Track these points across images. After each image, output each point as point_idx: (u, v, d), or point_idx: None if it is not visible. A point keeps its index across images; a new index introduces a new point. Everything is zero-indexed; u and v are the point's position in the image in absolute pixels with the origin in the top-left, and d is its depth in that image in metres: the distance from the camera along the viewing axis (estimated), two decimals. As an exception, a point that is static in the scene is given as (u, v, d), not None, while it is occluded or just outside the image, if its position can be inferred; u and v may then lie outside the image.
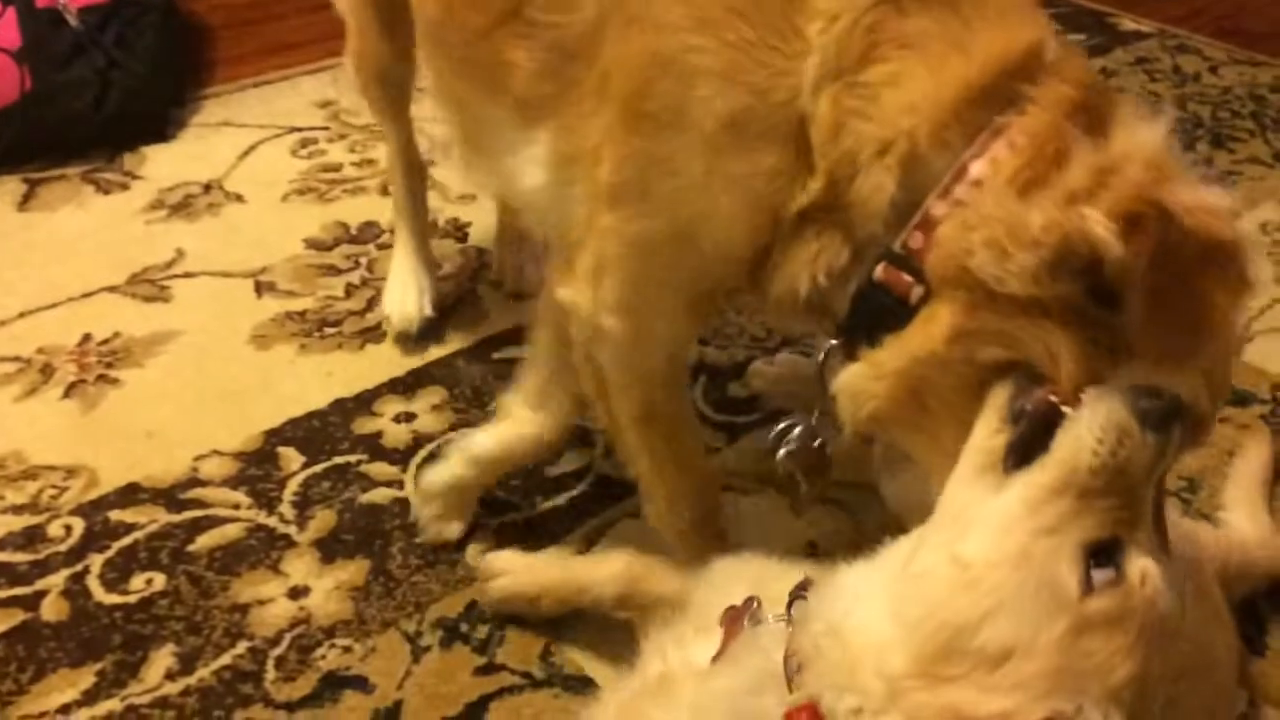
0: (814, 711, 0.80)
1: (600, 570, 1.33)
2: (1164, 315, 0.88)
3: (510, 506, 1.54)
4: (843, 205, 1.00)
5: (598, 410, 1.32)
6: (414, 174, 1.90)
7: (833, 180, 1.00)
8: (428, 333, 1.85)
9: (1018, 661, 0.72)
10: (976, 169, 0.94)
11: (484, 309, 1.94)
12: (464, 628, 1.37)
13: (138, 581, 1.41)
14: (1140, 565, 0.75)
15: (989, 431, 0.87)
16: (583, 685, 1.30)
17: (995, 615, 0.74)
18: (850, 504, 1.56)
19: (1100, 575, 0.74)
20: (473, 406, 1.72)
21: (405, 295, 1.85)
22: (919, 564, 0.81)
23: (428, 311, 1.84)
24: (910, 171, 0.96)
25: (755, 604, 0.98)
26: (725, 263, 1.09)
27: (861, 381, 0.99)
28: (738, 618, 0.98)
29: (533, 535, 1.50)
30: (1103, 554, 0.76)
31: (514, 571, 1.38)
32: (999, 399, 0.89)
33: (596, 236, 1.14)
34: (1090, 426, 0.80)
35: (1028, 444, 0.83)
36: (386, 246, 2.11)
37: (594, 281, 1.16)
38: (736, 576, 1.09)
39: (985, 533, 0.79)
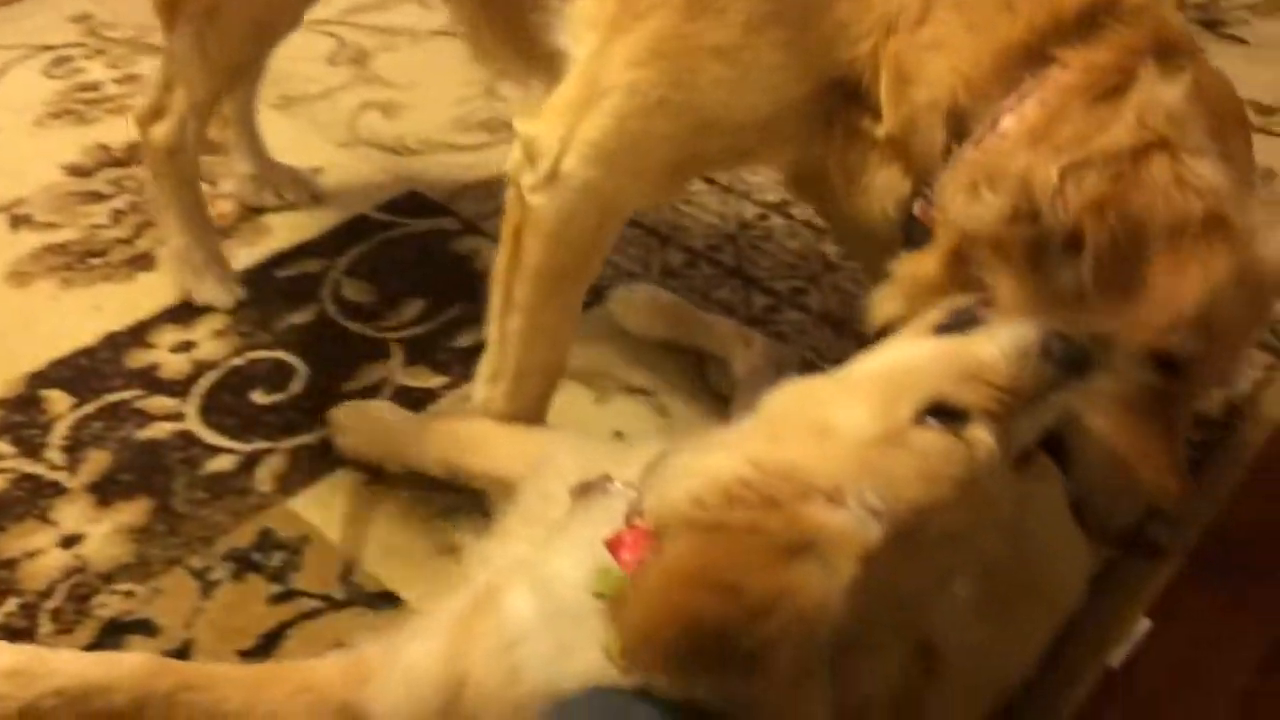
0: (644, 534, 0.85)
1: (426, 440, 1.34)
2: (1114, 278, 0.98)
3: (303, 426, 1.47)
4: (910, 154, 1.12)
5: (500, 256, 1.27)
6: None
7: (900, 130, 1.11)
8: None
9: (834, 442, 0.83)
10: (1006, 122, 1.04)
11: (265, 225, 1.84)
12: (256, 557, 1.30)
13: (-110, 549, 1.30)
14: (977, 435, 0.84)
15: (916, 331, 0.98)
16: (387, 602, 1.26)
17: (840, 399, 0.88)
18: (655, 392, 1.54)
19: (934, 421, 0.84)
20: (259, 329, 1.63)
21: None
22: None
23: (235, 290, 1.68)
24: (956, 124, 1.07)
25: (607, 479, 0.97)
26: (722, 141, 1.16)
27: (884, 291, 1.13)
28: (589, 491, 0.98)
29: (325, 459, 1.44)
30: (950, 416, 0.85)
31: (356, 429, 1.40)
32: (932, 314, 1.00)
33: (597, 85, 1.13)
34: (1002, 336, 0.90)
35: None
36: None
37: (574, 122, 1.14)
38: (570, 461, 1.07)
39: (873, 359, 0.94)
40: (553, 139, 1.16)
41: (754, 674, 0.76)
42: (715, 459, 0.87)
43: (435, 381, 1.55)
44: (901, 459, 0.82)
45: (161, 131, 1.59)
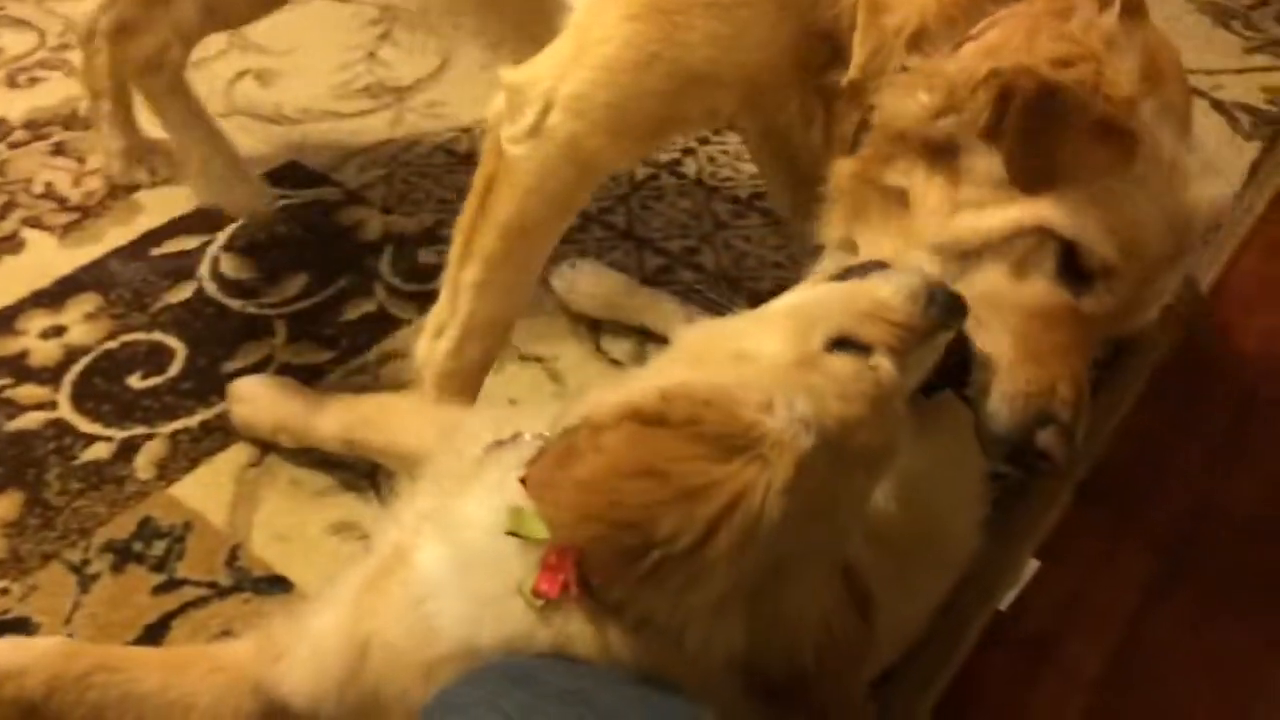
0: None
1: (328, 413, 1.31)
2: (1024, 167, 1.02)
3: (183, 410, 1.42)
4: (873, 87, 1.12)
5: (468, 205, 1.24)
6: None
7: (867, 63, 1.11)
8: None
9: (753, 365, 0.88)
10: (966, 48, 1.07)
11: (138, 203, 1.76)
12: (137, 547, 1.26)
13: None
14: (881, 362, 0.90)
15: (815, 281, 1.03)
16: (276, 586, 1.23)
17: (751, 332, 0.92)
18: (548, 359, 1.52)
19: (843, 349, 0.90)
20: (133, 310, 1.56)
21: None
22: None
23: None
24: (916, 47, 1.09)
25: (519, 435, 0.96)
26: (706, 100, 1.18)
27: (828, 194, 1.16)
28: (501, 446, 0.96)
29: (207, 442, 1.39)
30: (855, 349, 0.90)
31: (255, 401, 1.37)
32: (829, 268, 1.06)
33: (590, 36, 1.15)
34: (897, 280, 0.97)
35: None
36: (19, 144, 1.88)
37: (564, 74, 1.15)
38: (482, 424, 1.05)
39: (779, 301, 0.99)
40: (539, 90, 1.16)
41: (690, 565, 0.77)
42: (640, 382, 0.89)
43: (322, 357, 1.51)
44: (818, 379, 0.86)
45: (142, 46, 1.57)
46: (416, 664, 0.87)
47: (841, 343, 0.90)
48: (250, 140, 1.89)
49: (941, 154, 1.06)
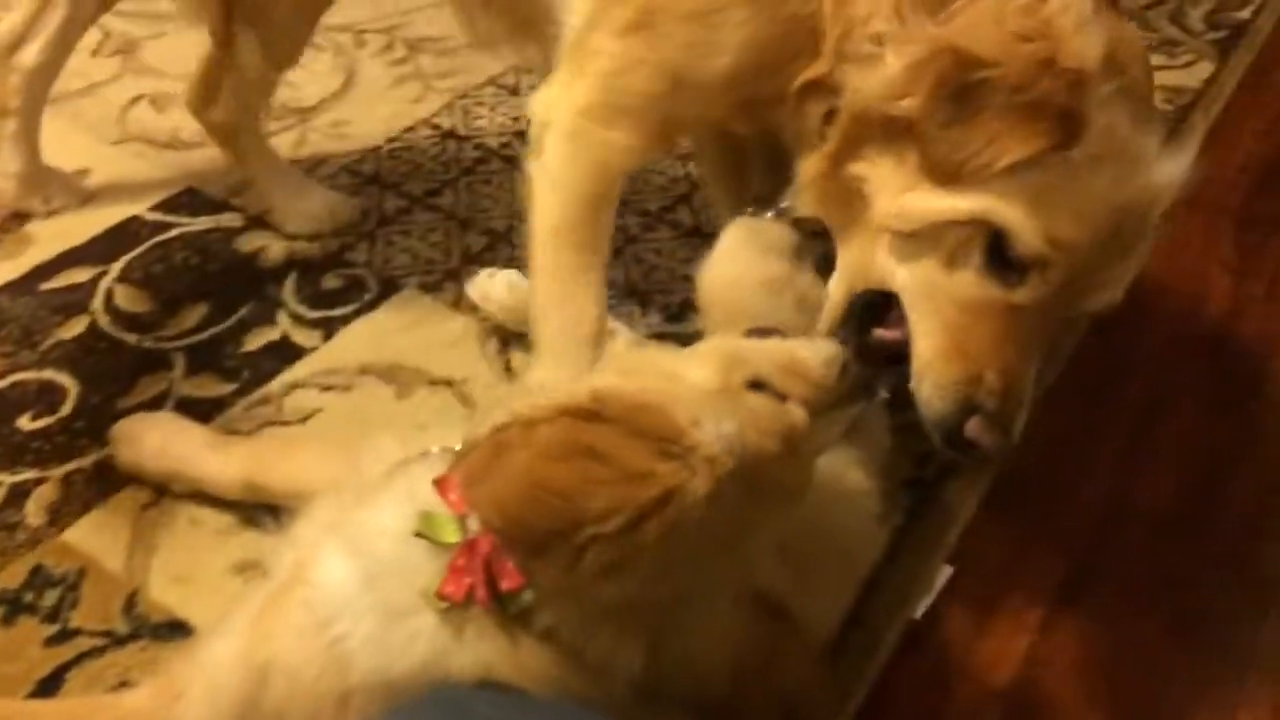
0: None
1: (225, 455, 1.28)
2: (949, 145, 1.01)
3: (76, 451, 1.37)
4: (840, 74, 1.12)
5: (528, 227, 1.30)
6: None
7: (835, 52, 1.11)
8: None
9: (684, 386, 0.91)
10: (940, 21, 1.05)
11: (28, 235, 1.70)
12: (28, 597, 1.21)
13: None
14: (793, 408, 0.94)
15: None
16: (176, 631, 1.18)
17: (683, 358, 0.95)
18: (457, 382, 1.50)
19: (761, 390, 0.94)
20: (22, 348, 1.51)
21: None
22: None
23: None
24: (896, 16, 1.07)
25: (427, 451, 0.96)
26: (695, 103, 1.22)
27: (798, 197, 1.18)
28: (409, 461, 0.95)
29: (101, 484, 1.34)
30: (771, 393, 0.94)
31: (141, 444, 1.31)
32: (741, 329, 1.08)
33: (585, 52, 1.23)
34: (818, 346, 1.02)
35: None
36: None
37: (565, 90, 1.25)
38: (391, 444, 1.04)
39: (705, 344, 1.02)
40: (546, 109, 1.26)
41: (615, 550, 0.79)
42: (572, 386, 0.92)
43: (223, 389, 1.47)
44: (738, 410, 0.89)
45: (222, 112, 1.66)
46: (326, 693, 0.85)
47: (759, 386, 0.94)
48: (145, 167, 1.84)
49: (901, 135, 1.05)
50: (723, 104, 1.24)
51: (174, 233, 1.72)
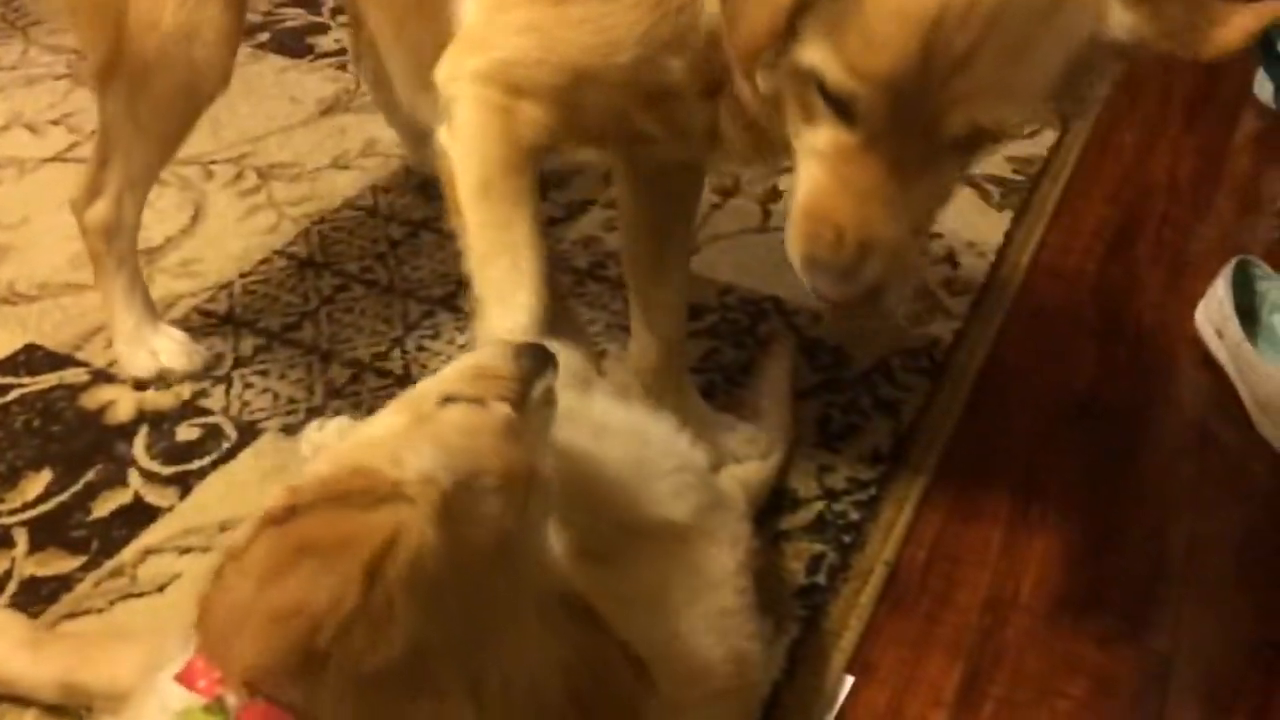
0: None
1: (40, 653, 1.18)
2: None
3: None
4: None
5: (448, 199, 1.26)
6: None
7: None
8: None
9: (374, 440, 0.88)
10: None
11: None
12: None
13: None
14: (495, 405, 0.93)
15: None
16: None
17: (369, 423, 0.93)
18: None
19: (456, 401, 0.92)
20: None
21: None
22: None
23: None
24: None
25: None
26: (600, 99, 1.20)
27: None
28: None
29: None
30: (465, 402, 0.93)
31: None
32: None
33: (484, 40, 1.22)
34: (484, 348, 1.04)
35: None
36: None
37: (473, 58, 1.22)
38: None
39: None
40: (447, 82, 1.23)
41: (365, 626, 0.73)
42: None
43: (71, 564, 1.36)
44: (438, 429, 0.88)
45: (99, 212, 1.63)
46: None
47: (452, 400, 0.93)
48: (-21, 326, 1.74)
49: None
50: (628, 96, 1.21)
51: (13, 395, 1.62)
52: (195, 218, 2.01)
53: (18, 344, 1.71)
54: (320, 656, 0.72)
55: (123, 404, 1.61)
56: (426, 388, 0.96)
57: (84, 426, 1.57)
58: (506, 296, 1.23)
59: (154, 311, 1.71)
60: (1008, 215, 2.04)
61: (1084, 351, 1.73)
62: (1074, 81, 0.99)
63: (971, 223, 2.01)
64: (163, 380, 1.64)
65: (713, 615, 1.10)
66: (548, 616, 0.87)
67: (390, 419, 0.92)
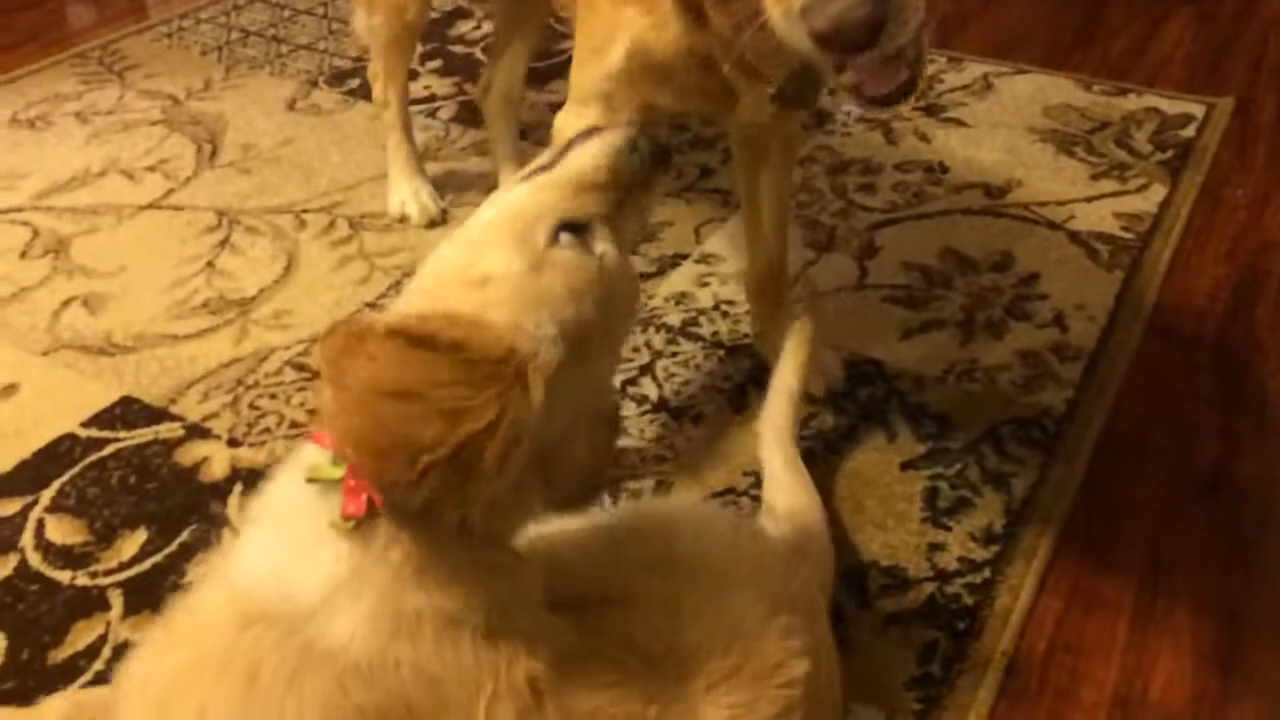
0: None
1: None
2: None
3: (3, 719, 1.24)
4: None
5: None
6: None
7: None
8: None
9: (494, 286, 0.93)
10: None
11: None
12: None
13: None
14: (602, 248, 0.99)
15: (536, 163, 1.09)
16: None
17: (481, 252, 0.96)
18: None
19: (566, 238, 0.98)
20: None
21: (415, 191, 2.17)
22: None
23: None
24: None
25: None
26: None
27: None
28: None
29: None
30: (575, 232, 0.98)
31: None
32: (534, 163, 1.10)
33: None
34: (593, 147, 1.06)
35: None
36: None
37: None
38: None
39: (494, 204, 1.03)
40: None
41: (459, 469, 0.83)
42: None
43: (165, 629, 1.35)
44: (551, 281, 0.94)
45: (376, 92, 2.17)
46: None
47: (562, 228, 0.98)
48: (78, 377, 1.75)
49: None
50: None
51: (110, 449, 1.62)
52: (288, 268, 2.01)
53: (114, 396, 1.71)
54: (409, 468, 0.82)
55: (217, 461, 1.60)
56: (536, 207, 1.00)
57: (179, 483, 1.56)
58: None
59: (416, 165, 2.19)
60: (1118, 276, 1.95)
61: (1206, 423, 1.65)
62: None
63: (1079, 284, 1.94)
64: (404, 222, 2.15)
65: None
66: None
67: (503, 257, 0.95)
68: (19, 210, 2.15)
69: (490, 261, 0.95)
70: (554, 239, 0.97)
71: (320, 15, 3.02)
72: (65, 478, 1.56)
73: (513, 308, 0.91)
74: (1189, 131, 2.40)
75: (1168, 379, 1.73)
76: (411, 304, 0.97)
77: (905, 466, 1.58)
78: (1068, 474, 1.56)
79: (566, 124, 1.44)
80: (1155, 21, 2.95)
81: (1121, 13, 3.02)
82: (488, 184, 2.18)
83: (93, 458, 1.60)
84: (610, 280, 0.98)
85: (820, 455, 1.60)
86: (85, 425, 1.66)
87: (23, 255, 2.03)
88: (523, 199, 1.02)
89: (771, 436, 1.46)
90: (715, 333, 1.85)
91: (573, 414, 0.97)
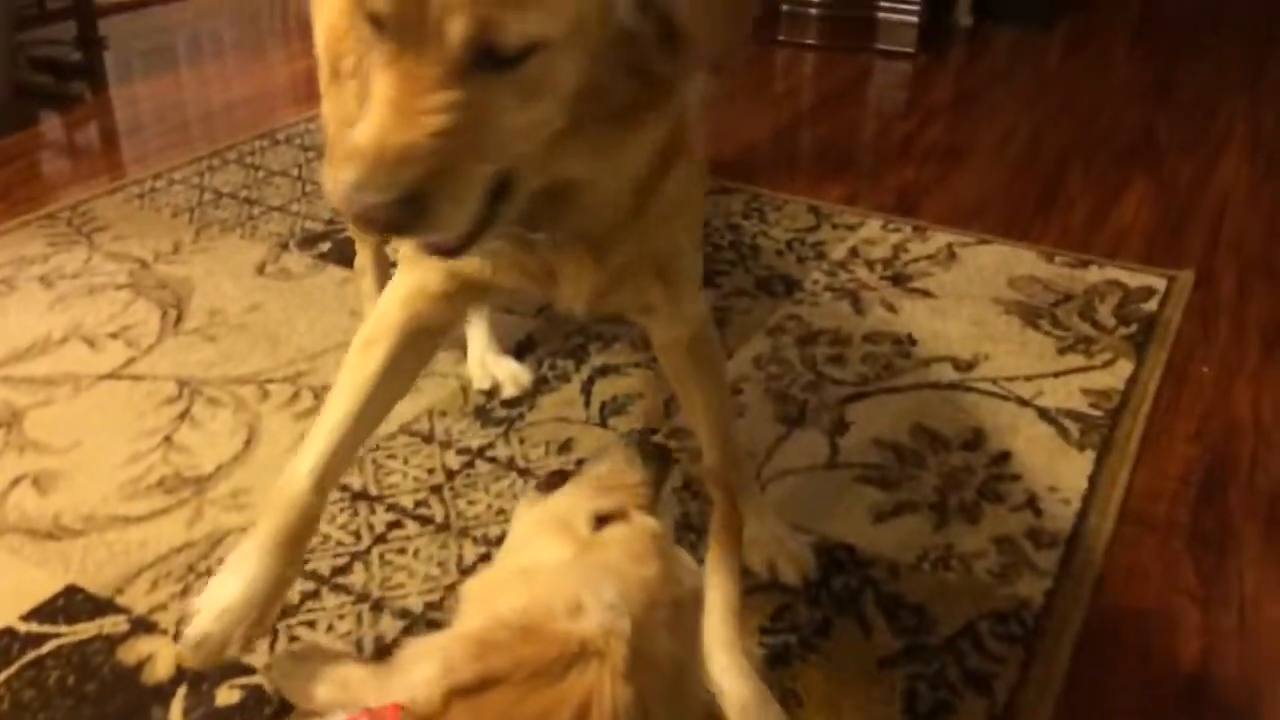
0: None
1: None
2: None
3: None
4: None
5: None
6: None
7: None
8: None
9: (543, 573, 0.91)
10: None
11: (-123, 663, 1.50)
12: None
13: None
14: (639, 517, 0.99)
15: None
16: None
17: (526, 553, 0.97)
18: None
19: (609, 525, 0.98)
20: None
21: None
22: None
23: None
24: None
25: None
26: None
27: None
28: None
29: None
30: (614, 520, 0.99)
31: None
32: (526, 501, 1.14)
33: None
34: (612, 457, 1.10)
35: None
36: None
37: None
38: None
39: (520, 518, 1.08)
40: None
41: None
42: (442, 641, 0.90)
43: None
44: (605, 555, 0.93)
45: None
46: None
47: (601, 520, 0.98)
48: (21, 564, 1.67)
49: None
50: None
51: (49, 646, 1.53)
52: (248, 442, 1.96)
53: (58, 585, 1.64)
54: None
55: (161, 660, 1.52)
56: (568, 505, 1.00)
57: (120, 685, 1.48)
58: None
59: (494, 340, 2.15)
60: (1089, 456, 1.94)
61: (1187, 617, 1.61)
62: None
63: (1051, 464, 1.92)
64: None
65: None
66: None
67: (548, 548, 0.94)
68: (-25, 380, 2.11)
69: (533, 556, 0.95)
70: (596, 528, 0.97)
71: (294, 176, 3.04)
72: (0, 678, 1.48)
73: (570, 586, 0.88)
74: (1151, 305, 2.43)
75: (1145, 569, 1.70)
76: (462, 621, 0.94)
77: (883, 664, 1.52)
78: (1049, 673, 1.51)
79: (394, 283, 1.43)
80: (1113, 190, 3.03)
81: (1079, 181, 3.11)
82: (451, 356, 2.16)
83: (31, 655, 1.52)
84: (662, 547, 0.96)
85: (795, 652, 1.54)
86: (25, 618, 1.58)
87: (-28, 429, 1.98)
88: (553, 509, 1.03)
89: (723, 653, 1.34)
90: (685, 513, 1.81)
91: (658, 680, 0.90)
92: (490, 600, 0.93)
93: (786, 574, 1.65)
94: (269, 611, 1.35)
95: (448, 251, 1.11)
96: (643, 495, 1.03)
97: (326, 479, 1.39)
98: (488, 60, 0.97)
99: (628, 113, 1.09)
